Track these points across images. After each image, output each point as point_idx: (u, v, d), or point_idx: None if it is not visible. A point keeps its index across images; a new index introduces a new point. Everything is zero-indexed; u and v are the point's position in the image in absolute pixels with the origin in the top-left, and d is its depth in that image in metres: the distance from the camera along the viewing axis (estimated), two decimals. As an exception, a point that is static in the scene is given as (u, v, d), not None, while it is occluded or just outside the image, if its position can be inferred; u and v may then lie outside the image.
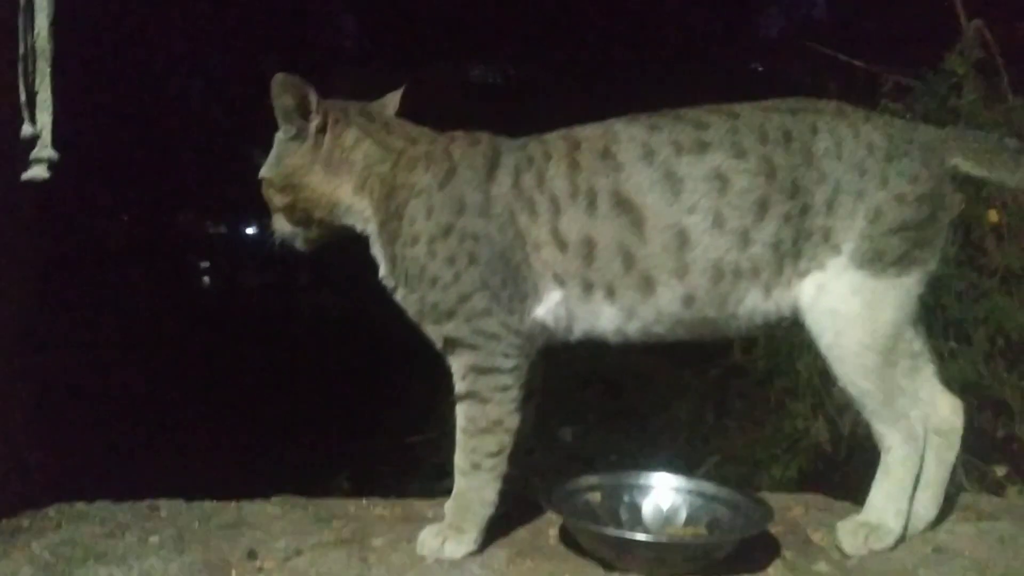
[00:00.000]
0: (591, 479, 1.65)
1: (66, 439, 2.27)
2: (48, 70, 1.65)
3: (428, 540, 1.53)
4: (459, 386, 1.54)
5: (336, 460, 3.22)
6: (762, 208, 1.51)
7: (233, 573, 1.47)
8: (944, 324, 2.91)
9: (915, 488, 1.63)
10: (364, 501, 1.82)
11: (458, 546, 1.52)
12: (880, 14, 5.26)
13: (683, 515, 1.62)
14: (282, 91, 1.57)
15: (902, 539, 1.60)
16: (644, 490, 1.65)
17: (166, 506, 1.74)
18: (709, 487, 1.63)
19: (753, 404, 3.28)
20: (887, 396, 1.57)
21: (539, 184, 1.54)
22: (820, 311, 1.54)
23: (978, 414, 2.89)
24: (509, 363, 1.53)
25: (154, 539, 1.57)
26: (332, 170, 1.61)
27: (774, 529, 1.68)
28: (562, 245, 1.53)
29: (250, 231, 9.53)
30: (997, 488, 2.63)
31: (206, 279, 9.36)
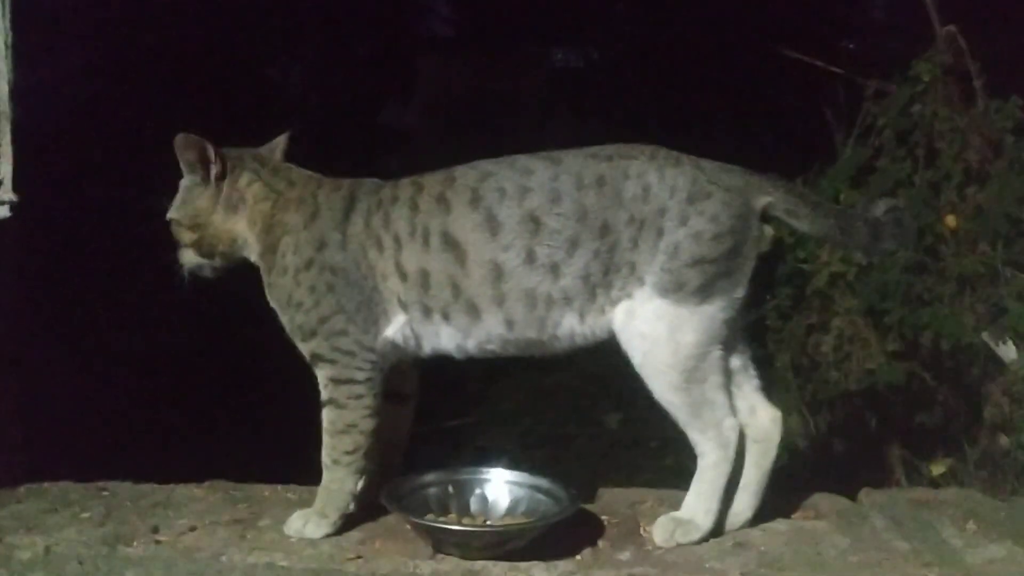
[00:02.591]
0: (443, 474, 1.91)
1: (70, 427, 2.66)
2: (8, 127, 2.02)
3: (293, 522, 1.83)
4: (322, 394, 1.83)
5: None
6: (573, 246, 1.74)
7: (135, 543, 1.79)
8: (887, 328, 3.03)
9: (730, 489, 1.84)
10: (280, 487, 2.13)
11: (317, 528, 1.81)
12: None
13: (522, 507, 1.86)
14: (184, 147, 1.87)
15: (711, 535, 1.81)
16: (489, 484, 1.90)
17: (113, 487, 2.09)
18: (544, 482, 1.87)
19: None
20: (695, 408, 1.78)
21: (385, 224, 1.81)
22: (630, 334, 1.77)
23: (924, 414, 3.02)
24: (363, 375, 1.81)
25: (86, 515, 1.92)
26: (231, 209, 1.91)
27: (608, 520, 1.91)
28: (403, 276, 1.80)
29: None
30: (931, 484, 2.77)
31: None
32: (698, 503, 1.81)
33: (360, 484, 1.83)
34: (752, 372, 1.88)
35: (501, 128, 9.09)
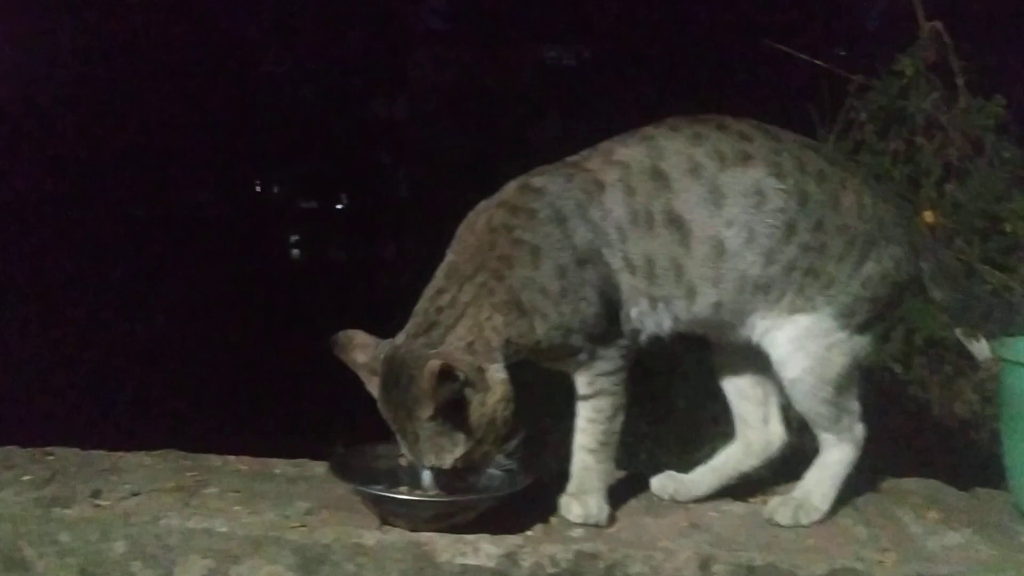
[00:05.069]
0: (395, 447, 1.83)
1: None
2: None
3: (572, 508, 1.73)
4: (587, 389, 1.75)
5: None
6: (790, 230, 1.67)
7: (74, 507, 1.74)
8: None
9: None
10: (232, 458, 2.08)
11: (596, 506, 1.73)
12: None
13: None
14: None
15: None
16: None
17: (59, 453, 2.04)
18: (499, 458, 1.81)
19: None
20: (837, 416, 1.78)
21: (604, 216, 1.68)
22: (793, 348, 1.72)
23: (895, 408, 2.99)
24: (624, 362, 1.73)
25: (27, 477, 1.87)
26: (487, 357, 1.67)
27: (564, 499, 1.86)
28: (632, 268, 1.69)
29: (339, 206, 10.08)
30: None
31: (295, 252, 9.89)
32: (819, 487, 1.79)
33: None
34: (777, 387, 1.85)
35: (491, 123, 9.10)
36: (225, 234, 7.39)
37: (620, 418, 1.76)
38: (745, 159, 1.66)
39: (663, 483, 1.88)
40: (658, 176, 1.68)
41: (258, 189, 9.82)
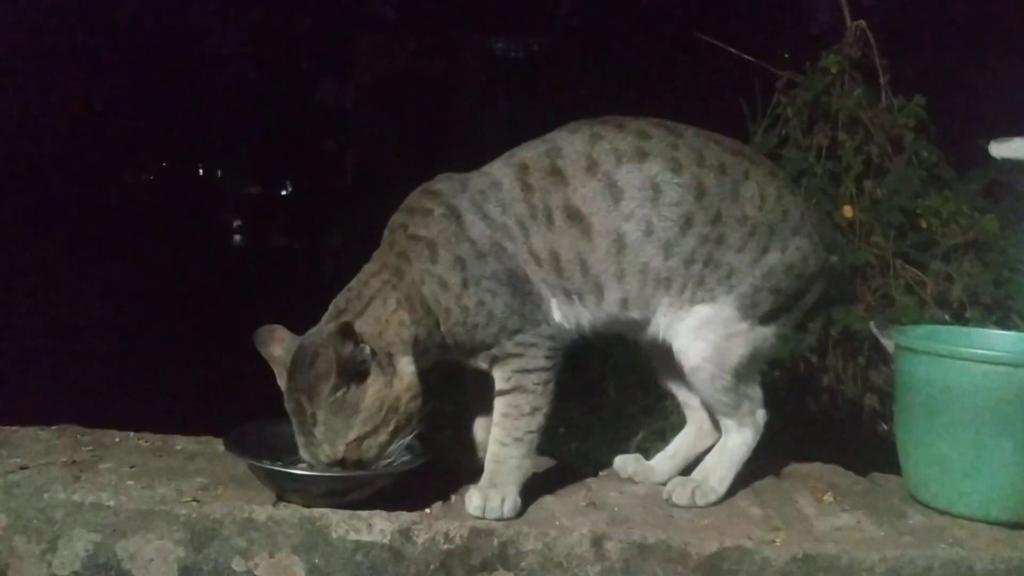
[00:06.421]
0: None
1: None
2: None
3: (473, 499, 1.67)
4: (504, 384, 1.72)
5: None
6: (687, 223, 1.68)
7: (-45, 480, 1.69)
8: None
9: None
10: (132, 434, 2.04)
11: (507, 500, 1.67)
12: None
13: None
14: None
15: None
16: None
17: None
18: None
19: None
20: (737, 402, 1.80)
21: (504, 211, 1.70)
22: (692, 338, 1.73)
23: (809, 400, 3.04)
24: (549, 362, 1.71)
25: (-88, 449, 1.82)
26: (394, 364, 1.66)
27: (472, 480, 1.85)
28: (538, 261, 1.71)
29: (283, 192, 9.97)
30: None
31: (237, 237, 9.75)
32: (716, 470, 1.80)
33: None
34: None
35: (438, 112, 9.07)
36: (166, 217, 7.27)
37: (538, 418, 1.73)
38: (642, 155, 1.69)
39: (624, 462, 1.92)
40: (555, 173, 1.71)
41: (201, 172, 9.69)
